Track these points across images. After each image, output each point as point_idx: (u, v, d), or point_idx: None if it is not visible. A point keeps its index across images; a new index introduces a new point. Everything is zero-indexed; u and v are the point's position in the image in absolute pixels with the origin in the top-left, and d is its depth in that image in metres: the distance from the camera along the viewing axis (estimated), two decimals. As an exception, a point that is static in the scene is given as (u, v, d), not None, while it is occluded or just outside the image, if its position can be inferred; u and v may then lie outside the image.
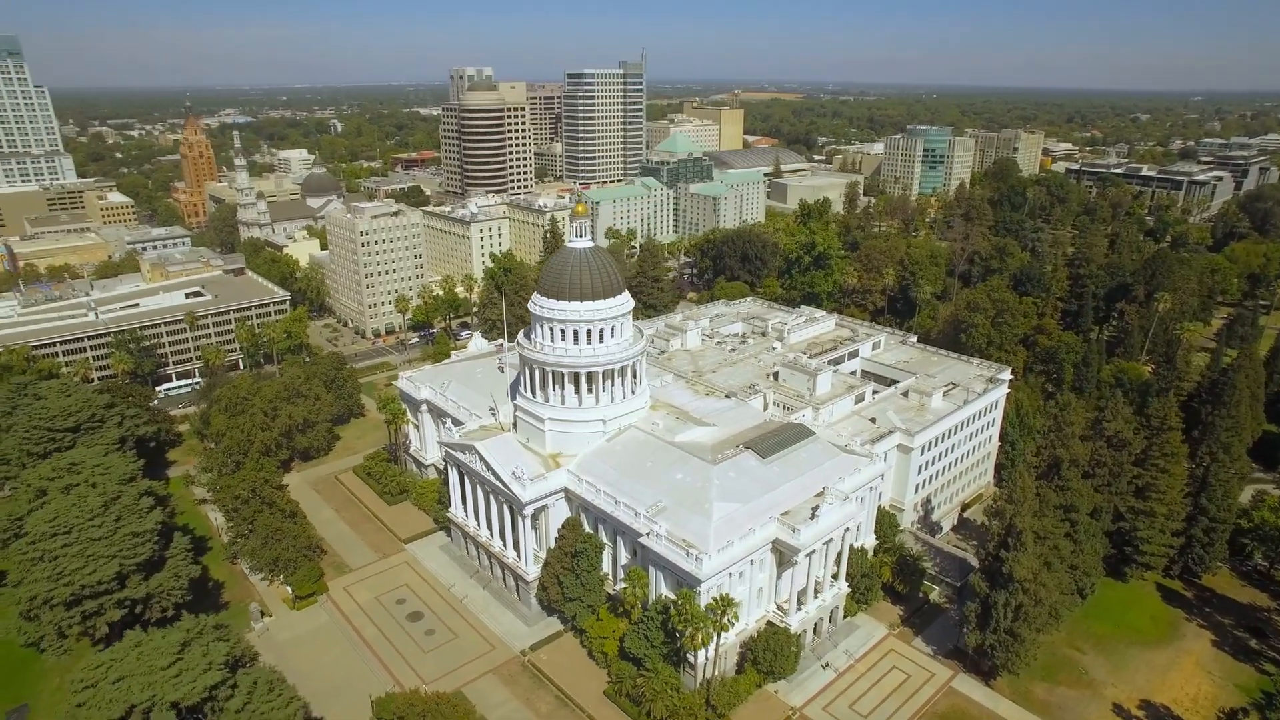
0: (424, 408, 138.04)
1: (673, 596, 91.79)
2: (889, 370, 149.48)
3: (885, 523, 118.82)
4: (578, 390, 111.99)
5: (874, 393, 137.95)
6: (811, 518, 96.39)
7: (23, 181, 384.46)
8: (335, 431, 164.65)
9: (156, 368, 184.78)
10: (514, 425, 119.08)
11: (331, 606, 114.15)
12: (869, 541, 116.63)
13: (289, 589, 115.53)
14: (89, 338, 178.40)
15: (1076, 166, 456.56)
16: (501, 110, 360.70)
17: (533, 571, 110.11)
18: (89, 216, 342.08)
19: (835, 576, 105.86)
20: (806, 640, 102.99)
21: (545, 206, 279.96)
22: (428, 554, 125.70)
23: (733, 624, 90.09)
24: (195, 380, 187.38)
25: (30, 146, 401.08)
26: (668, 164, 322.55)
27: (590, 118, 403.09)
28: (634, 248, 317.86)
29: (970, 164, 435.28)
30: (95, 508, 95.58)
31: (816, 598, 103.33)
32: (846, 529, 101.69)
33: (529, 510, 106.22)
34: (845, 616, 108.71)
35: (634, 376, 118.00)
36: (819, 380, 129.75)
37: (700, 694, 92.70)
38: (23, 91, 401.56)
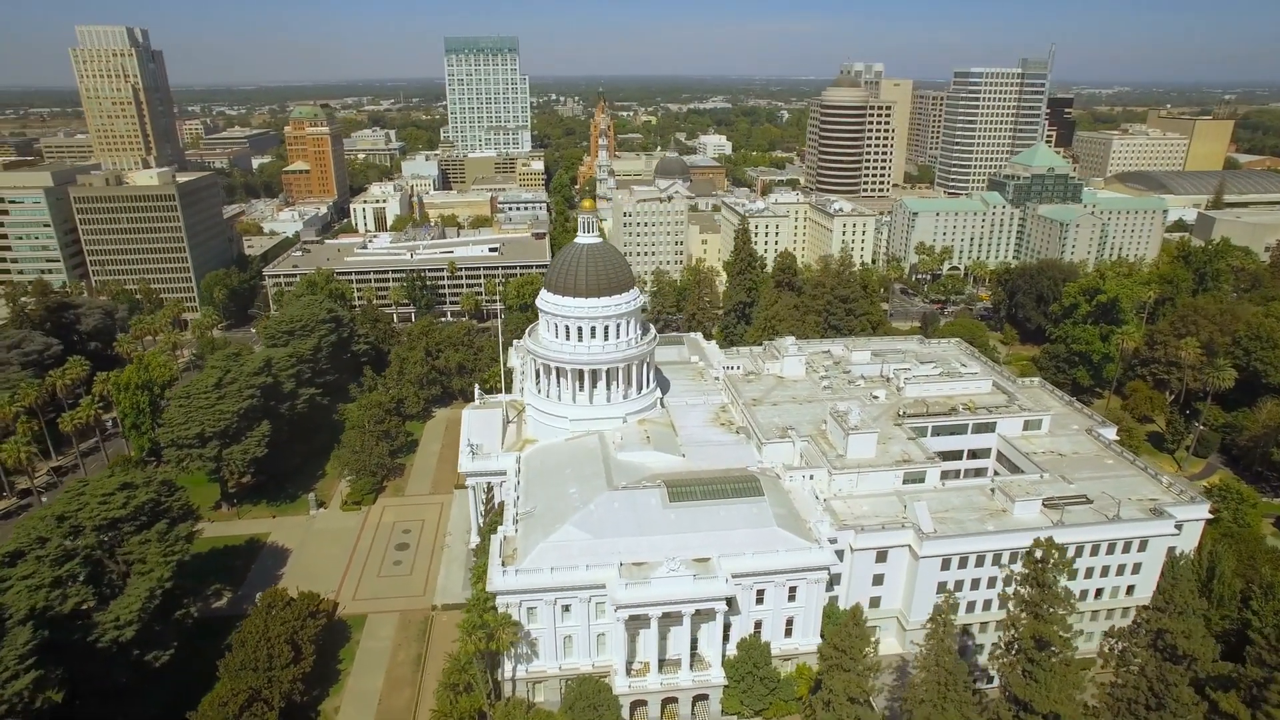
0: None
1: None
2: (1022, 460, 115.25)
3: (847, 631, 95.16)
4: (553, 385, 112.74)
5: (946, 476, 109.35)
6: (647, 579, 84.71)
7: (494, 149, 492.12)
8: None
9: (433, 304, 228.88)
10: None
11: (362, 517, 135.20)
12: (807, 643, 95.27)
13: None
14: (392, 271, 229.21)
15: None
16: (862, 108, 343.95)
17: (474, 539, 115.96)
18: (514, 179, 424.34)
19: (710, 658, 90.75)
20: (651, 715, 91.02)
21: (840, 210, 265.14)
22: (462, 502, 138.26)
23: (512, 649, 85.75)
24: (463, 317, 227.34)
25: (506, 122, 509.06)
26: (1017, 178, 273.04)
27: (971, 120, 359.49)
28: (956, 268, 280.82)
29: None
30: (209, 385, 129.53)
31: (671, 672, 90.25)
32: (712, 609, 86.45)
33: (469, 481, 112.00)
34: (724, 712, 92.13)
35: (629, 383, 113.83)
36: (851, 441, 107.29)
37: (499, 710, 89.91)
38: (512, 80, 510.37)
